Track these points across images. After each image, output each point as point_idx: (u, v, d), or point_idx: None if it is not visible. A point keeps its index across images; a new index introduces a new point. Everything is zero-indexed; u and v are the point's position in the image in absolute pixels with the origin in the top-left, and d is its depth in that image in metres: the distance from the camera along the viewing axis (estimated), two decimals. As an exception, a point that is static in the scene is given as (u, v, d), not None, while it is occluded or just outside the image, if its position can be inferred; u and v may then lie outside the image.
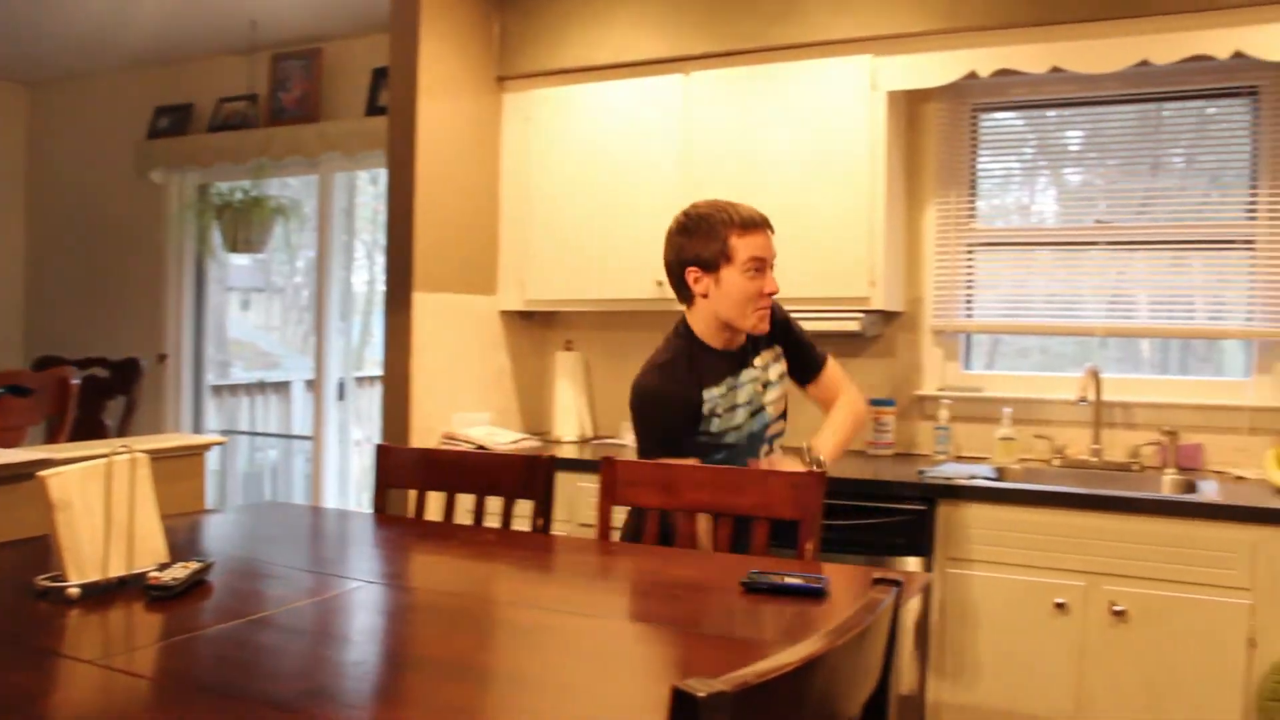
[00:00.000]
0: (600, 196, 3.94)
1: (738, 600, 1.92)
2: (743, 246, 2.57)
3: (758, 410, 2.73)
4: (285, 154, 5.25)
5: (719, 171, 3.72)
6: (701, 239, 2.58)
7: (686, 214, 2.63)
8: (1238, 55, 3.11)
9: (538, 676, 1.53)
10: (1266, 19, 3.07)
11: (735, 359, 2.71)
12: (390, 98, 3.90)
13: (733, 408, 2.68)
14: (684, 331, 2.69)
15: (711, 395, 2.64)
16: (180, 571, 1.84)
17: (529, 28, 4.10)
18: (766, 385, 2.75)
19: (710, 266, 2.59)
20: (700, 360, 2.66)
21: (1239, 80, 3.41)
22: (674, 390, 2.61)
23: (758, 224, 2.60)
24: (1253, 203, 3.42)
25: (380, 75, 4.98)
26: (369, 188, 5.76)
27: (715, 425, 2.66)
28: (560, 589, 2.12)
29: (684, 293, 2.66)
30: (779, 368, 2.80)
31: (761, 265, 2.60)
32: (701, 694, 0.96)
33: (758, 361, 2.74)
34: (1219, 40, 3.12)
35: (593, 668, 1.59)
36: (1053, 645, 2.97)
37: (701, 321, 2.66)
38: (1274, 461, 3.13)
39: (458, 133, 4.00)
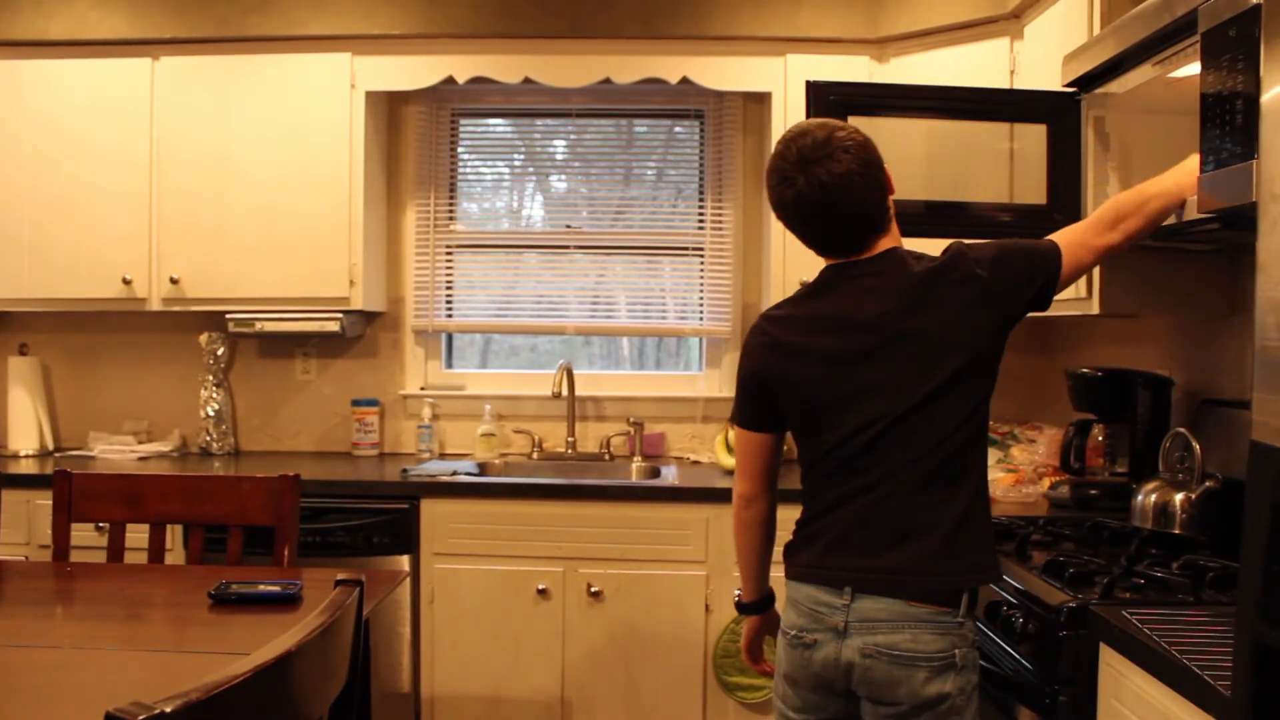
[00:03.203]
0: (60, 186, 3.54)
1: (205, 613, 1.89)
2: None
3: None
4: None
5: (193, 165, 3.52)
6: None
7: (842, 132, 1.84)
8: (685, 81, 3.48)
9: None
10: (707, 51, 3.47)
11: None
12: None
13: None
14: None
15: None
16: None
17: (-37, -12, 3.59)
18: None
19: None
20: None
21: (691, 104, 3.82)
22: None
23: None
24: (702, 214, 3.82)
25: None
26: None
27: None
28: (3, 621, 1.93)
29: (886, 214, 1.90)
30: None
31: None
32: (140, 718, 0.93)
33: None
34: (670, 66, 3.48)
35: (31, 704, 1.47)
36: (536, 630, 3.13)
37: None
38: (722, 446, 3.51)
39: None
